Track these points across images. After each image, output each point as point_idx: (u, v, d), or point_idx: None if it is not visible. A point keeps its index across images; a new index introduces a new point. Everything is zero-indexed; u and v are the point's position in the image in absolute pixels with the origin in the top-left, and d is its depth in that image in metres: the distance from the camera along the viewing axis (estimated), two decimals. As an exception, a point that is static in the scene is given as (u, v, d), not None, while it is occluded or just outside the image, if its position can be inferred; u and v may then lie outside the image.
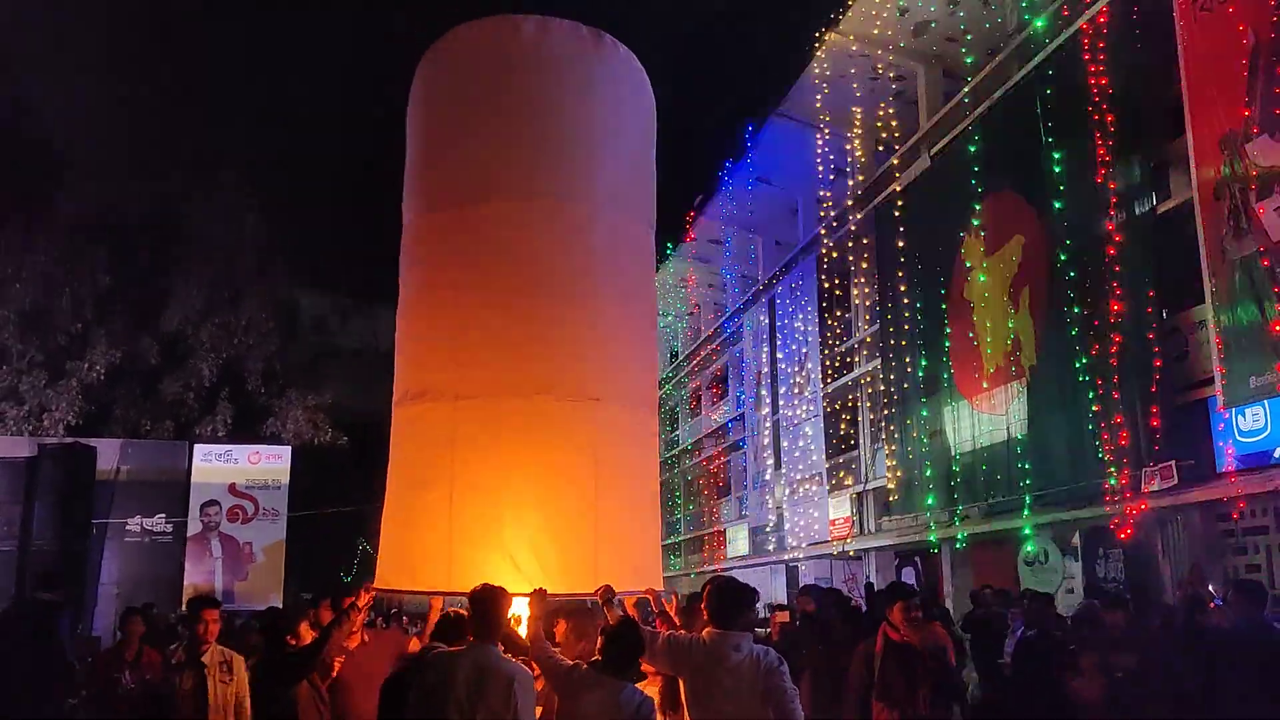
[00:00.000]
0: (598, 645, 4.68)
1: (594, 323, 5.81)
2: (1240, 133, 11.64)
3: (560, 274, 5.79)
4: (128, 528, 22.27)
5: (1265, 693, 6.30)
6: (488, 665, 4.39)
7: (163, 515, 22.67)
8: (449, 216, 6.03)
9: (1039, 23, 16.34)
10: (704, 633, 4.66)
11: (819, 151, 25.59)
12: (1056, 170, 14.98)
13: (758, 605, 6.20)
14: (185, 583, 22.65)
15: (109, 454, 21.96)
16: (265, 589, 22.94)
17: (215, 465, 23.75)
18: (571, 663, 4.62)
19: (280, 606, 20.86)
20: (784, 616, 9.25)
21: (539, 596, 5.07)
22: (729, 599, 4.70)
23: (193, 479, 23.37)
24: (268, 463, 24.27)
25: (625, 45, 6.42)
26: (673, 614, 5.37)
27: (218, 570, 23.06)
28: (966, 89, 18.79)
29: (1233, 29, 11.83)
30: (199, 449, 24.26)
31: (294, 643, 5.94)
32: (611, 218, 6.07)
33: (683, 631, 4.96)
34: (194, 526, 23.11)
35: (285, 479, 24.28)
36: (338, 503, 29.32)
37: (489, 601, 4.57)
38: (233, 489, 23.59)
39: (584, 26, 6.18)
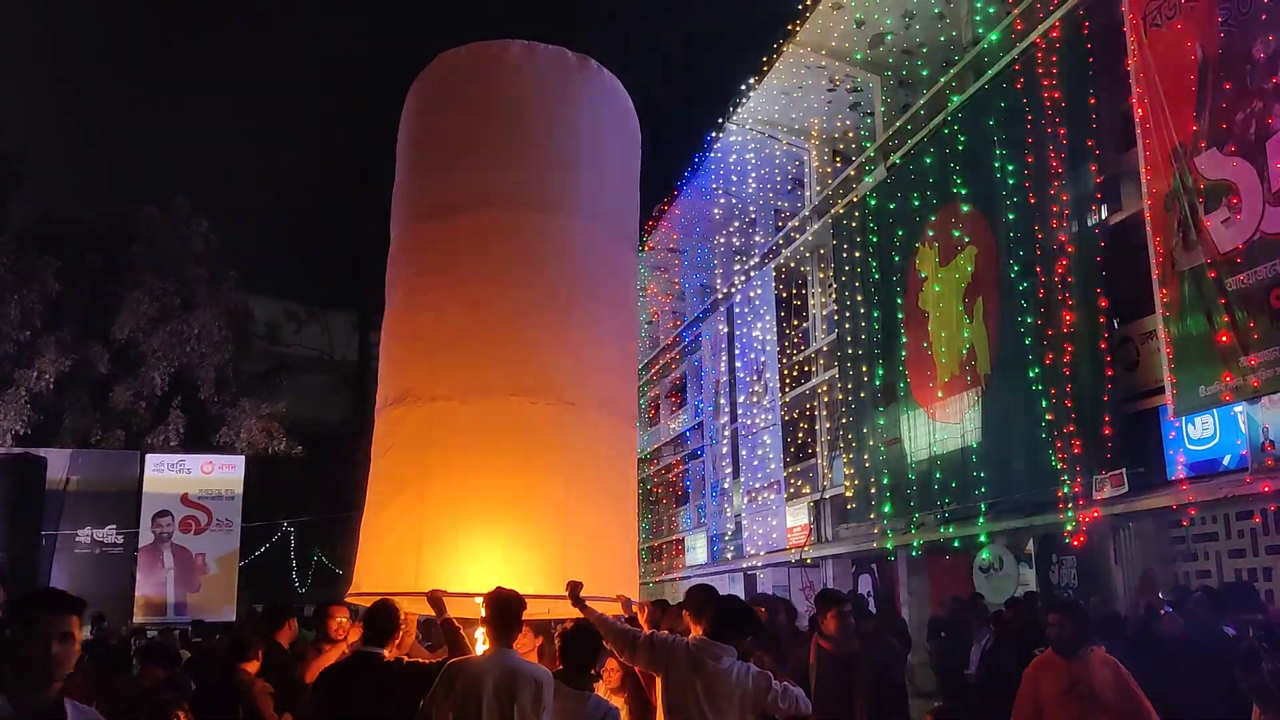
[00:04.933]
0: (556, 649, 4.74)
1: (570, 329, 5.92)
2: (1189, 146, 11.85)
3: (537, 281, 5.93)
4: (78, 539, 21.93)
5: (1214, 697, 6.41)
6: (515, 668, 4.41)
7: (114, 526, 22.35)
8: (431, 227, 6.19)
9: (993, 36, 16.57)
10: (690, 636, 4.75)
11: (776, 162, 25.83)
12: (1010, 181, 15.18)
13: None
14: (137, 595, 22.35)
15: (59, 464, 21.66)
16: (219, 601, 22.66)
17: (167, 475, 23.44)
18: None
19: (235, 620, 20.65)
20: None
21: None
22: (732, 618, 4.82)
23: (144, 489, 23.05)
24: (221, 472, 24.00)
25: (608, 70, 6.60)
26: (643, 622, 5.39)
27: (170, 582, 22.75)
28: (922, 101, 19.01)
29: (1182, 45, 12.05)
30: (151, 459, 23.94)
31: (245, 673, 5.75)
32: (590, 230, 6.22)
33: (664, 631, 5.00)
34: (146, 538, 22.79)
35: (239, 489, 24.02)
36: (293, 513, 29.06)
37: (510, 605, 4.59)
38: (185, 499, 23.30)
39: (570, 52, 6.38)
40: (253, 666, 5.76)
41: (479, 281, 5.86)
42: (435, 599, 5.09)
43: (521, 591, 4.79)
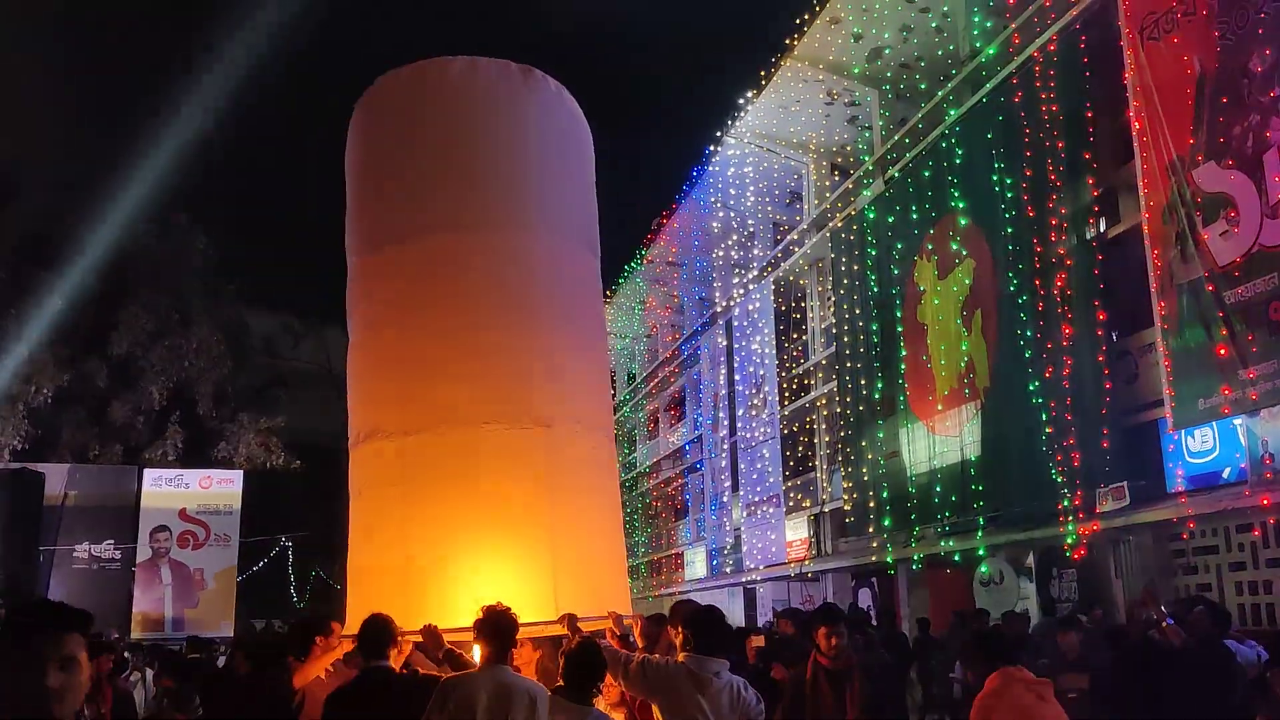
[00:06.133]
0: (559, 668, 4.65)
1: (538, 349, 5.82)
2: (1187, 159, 11.86)
3: (500, 303, 5.82)
4: (75, 554, 21.87)
5: (1211, 711, 6.36)
6: (509, 684, 4.40)
7: (111, 541, 22.31)
8: (387, 255, 6.08)
9: (990, 50, 16.60)
10: (681, 657, 4.67)
11: (775, 175, 25.87)
12: (1008, 195, 15.19)
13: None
14: (134, 610, 22.28)
15: (57, 479, 21.61)
16: (217, 616, 22.60)
17: (165, 490, 23.40)
18: None
19: (232, 635, 20.56)
20: (759, 641, 9.21)
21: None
22: (712, 627, 4.73)
23: (142, 504, 23.02)
24: (219, 487, 23.96)
25: (562, 77, 6.52)
26: (637, 637, 5.35)
27: (167, 597, 22.68)
28: (920, 115, 19.04)
29: (1179, 59, 12.07)
30: (149, 474, 23.90)
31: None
32: (550, 244, 6.12)
33: (656, 656, 4.96)
34: (143, 553, 22.75)
35: (237, 504, 23.98)
36: (291, 527, 28.98)
37: (505, 623, 4.57)
38: (183, 514, 23.26)
39: (513, 64, 6.27)
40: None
41: (439, 309, 5.76)
42: (430, 632, 5.04)
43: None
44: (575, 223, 6.40)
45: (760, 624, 22.04)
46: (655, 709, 4.69)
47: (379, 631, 4.84)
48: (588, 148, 6.72)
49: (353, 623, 5.72)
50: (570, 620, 5.13)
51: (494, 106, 6.10)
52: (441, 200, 5.92)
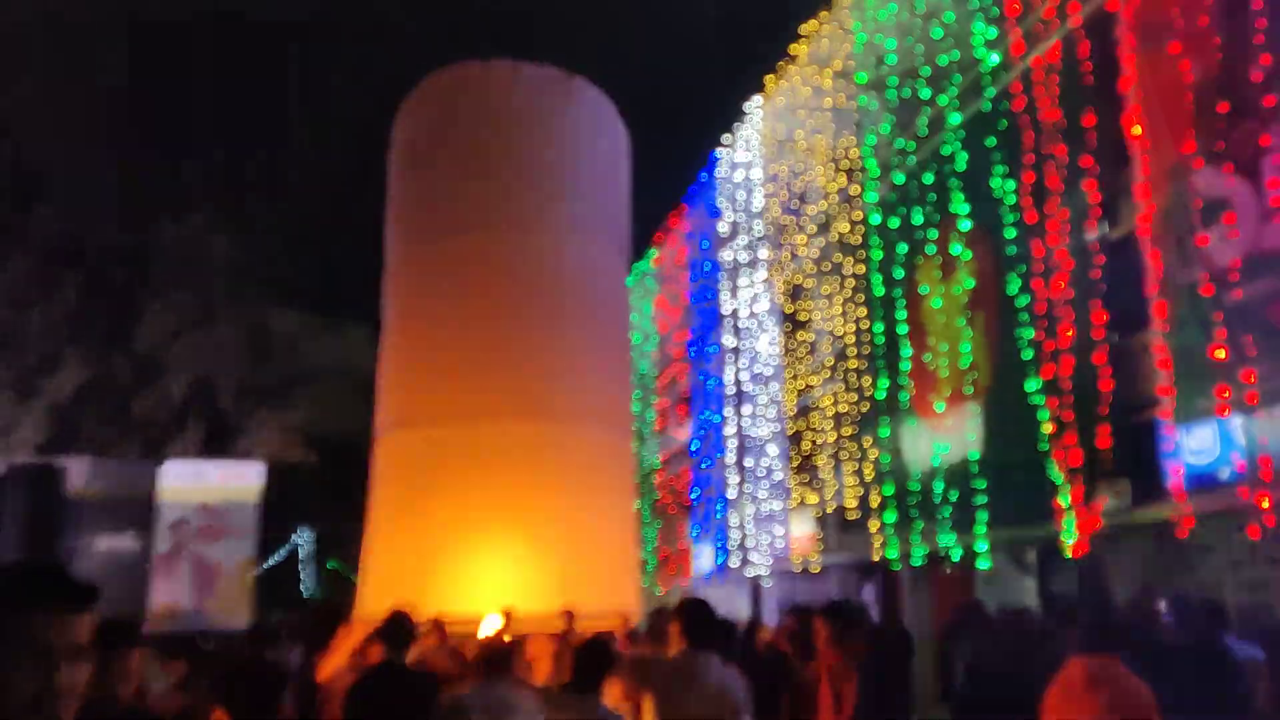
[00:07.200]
0: (569, 664, 4.77)
1: (564, 348, 6.04)
2: (1186, 164, 12.12)
3: (529, 301, 6.04)
4: (95, 547, 22.13)
5: (1208, 709, 6.60)
6: (505, 699, 4.48)
7: (131, 534, 22.56)
8: (424, 251, 6.33)
9: (993, 57, 16.85)
10: (672, 651, 4.76)
11: (781, 178, 26.12)
12: (1010, 199, 15.45)
13: (728, 619, 6.27)
14: (153, 602, 22.53)
15: (78, 473, 21.84)
16: (235, 608, 22.85)
17: (185, 484, 23.62)
18: (541, 687, 4.75)
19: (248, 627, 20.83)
20: (767, 634, 9.47)
21: (506, 615, 5.17)
22: (701, 618, 4.77)
23: (162, 497, 23.23)
24: (239, 481, 24.15)
25: (597, 84, 6.72)
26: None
27: (186, 590, 22.93)
28: (923, 120, 19.27)
29: (1178, 65, 12.32)
30: (169, 467, 24.11)
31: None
32: (580, 246, 6.35)
33: (647, 650, 5.06)
34: (163, 546, 22.97)
35: (256, 498, 24.16)
36: (309, 522, 29.26)
37: (507, 647, 4.68)
38: (203, 507, 23.47)
39: (555, 69, 6.48)
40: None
41: (470, 305, 5.99)
42: (435, 625, 5.15)
43: (524, 608, 4.90)
44: (606, 228, 6.62)
45: (770, 620, 22.28)
46: (646, 702, 4.76)
47: (399, 628, 4.98)
48: (623, 153, 6.91)
49: (366, 603, 5.93)
50: (567, 616, 5.21)
51: (534, 111, 6.31)
52: (477, 201, 6.15)
